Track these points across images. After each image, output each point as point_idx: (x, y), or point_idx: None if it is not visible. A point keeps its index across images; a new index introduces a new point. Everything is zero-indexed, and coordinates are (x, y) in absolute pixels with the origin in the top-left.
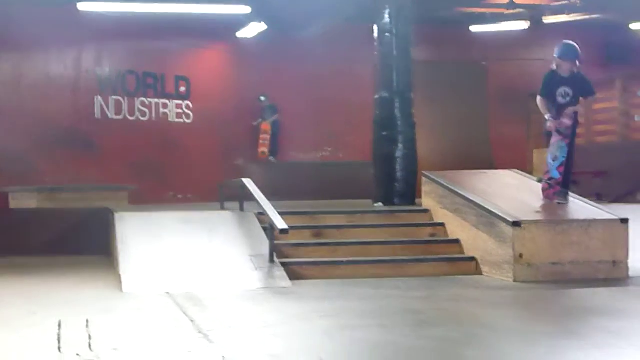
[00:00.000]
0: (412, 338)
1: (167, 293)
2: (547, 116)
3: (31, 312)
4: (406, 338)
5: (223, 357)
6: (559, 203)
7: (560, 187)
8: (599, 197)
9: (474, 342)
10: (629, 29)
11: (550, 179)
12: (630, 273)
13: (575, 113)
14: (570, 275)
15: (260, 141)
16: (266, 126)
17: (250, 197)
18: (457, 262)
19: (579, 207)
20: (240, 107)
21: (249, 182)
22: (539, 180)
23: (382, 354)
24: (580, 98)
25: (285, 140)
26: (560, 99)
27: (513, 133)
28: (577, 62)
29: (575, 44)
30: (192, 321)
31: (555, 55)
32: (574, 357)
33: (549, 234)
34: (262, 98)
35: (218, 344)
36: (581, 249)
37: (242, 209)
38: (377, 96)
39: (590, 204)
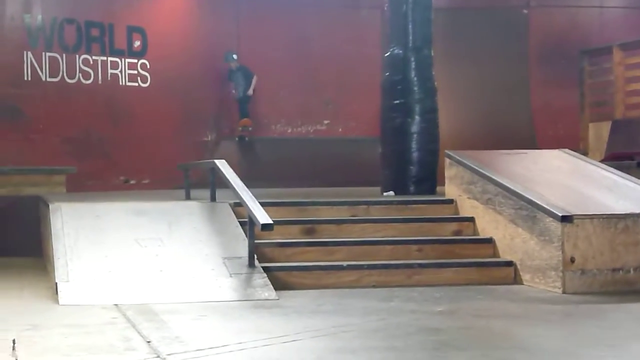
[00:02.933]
0: None
1: (116, 305)
2: None
3: None
4: None
5: None
6: None
7: None
8: None
9: None
10: None
11: None
12: None
13: None
14: (635, 285)
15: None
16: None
17: (224, 184)
18: (489, 268)
19: None
20: (211, 67)
21: (222, 164)
22: None
23: None
24: None
25: (267, 110)
26: None
27: (562, 101)
28: None
29: None
30: (147, 342)
31: None
32: None
33: (609, 232)
34: (234, 56)
35: None
36: None
37: (213, 198)
38: (387, 53)
39: None
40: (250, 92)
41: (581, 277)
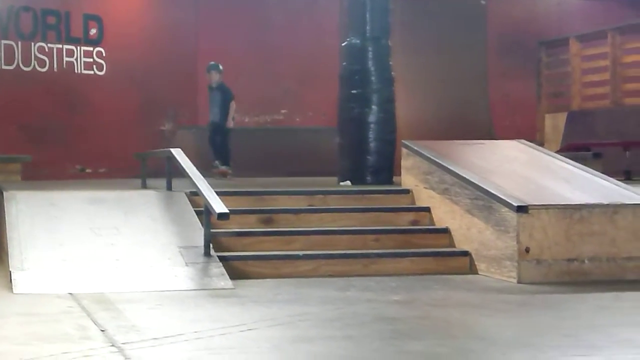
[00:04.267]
0: (387, 354)
1: (71, 294)
2: None
3: None
4: (378, 354)
5: None
6: None
7: None
8: (628, 175)
9: (465, 359)
10: None
11: None
12: None
13: None
14: (590, 276)
15: None
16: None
17: (181, 173)
18: (445, 258)
19: (603, 188)
20: (169, 57)
21: (178, 153)
22: None
23: None
24: None
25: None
26: None
27: (519, 92)
28: None
29: None
30: (102, 331)
31: None
32: None
33: (564, 222)
34: (220, 68)
35: None
36: (604, 241)
37: (169, 187)
38: (344, 43)
39: (617, 184)
40: (230, 123)
41: (536, 267)
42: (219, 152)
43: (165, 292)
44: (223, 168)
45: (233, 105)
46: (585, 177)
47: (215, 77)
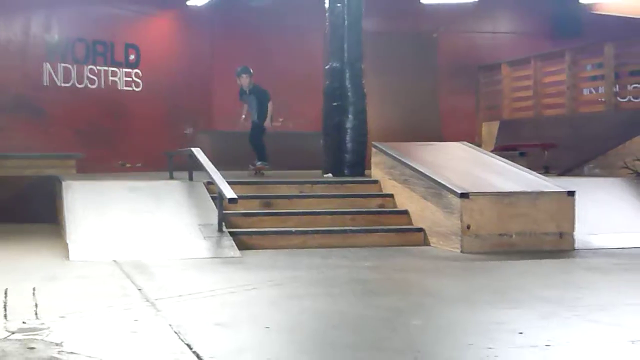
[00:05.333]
0: (359, 307)
1: (115, 261)
2: None
3: None
4: (353, 307)
5: (170, 325)
6: None
7: None
8: (546, 169)
9: (420, 311)
10: (578, 0)
11: None
12: (576, 245)
13: None
14: (516, 247)
15: None
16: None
17: (199, 167)
18: (405, 233)
19: (527, 180)
20: (190, 76)
21: (197, 151)
22: None
23: (328, 322)
24: None
25: (236, 110)
26: None
27: (462, 105)
28: None
29: None
30: (139, 289)
31: None
32: (518, 326)
33: (497, 205)
34: (251, 70)
35: (165, 313)
36: (528, 220)
37: (190, 178)
38: (327, 66)
39: (538, 176)
40: (268, 123)
41: (475, 240)
42: (256, 149)
43: (188, 259)
44: (259, 164)
45: (270, 105)
46: (513, 171)
47: (245, 81)
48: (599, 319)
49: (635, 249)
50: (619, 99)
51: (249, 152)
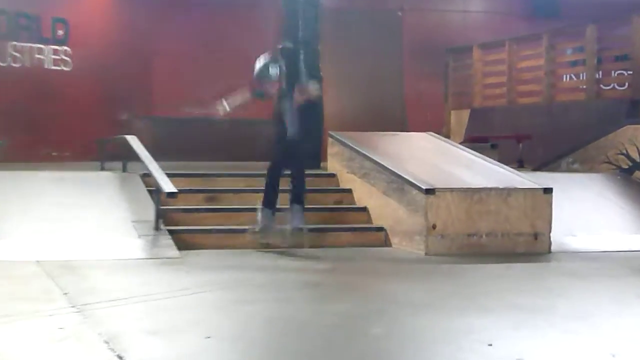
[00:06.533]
0: (312, 314)
1: (38, 262)
2: None
3: None
4: (305, 313)
5: (99, 334)
6: None
7: None
8: (520, 163)
9: (380, 318)
10: None
11: None
12: (553, 247)
13: None
14: (487, 248)
15: None
16: None
17: (135, 157)
18: (364, 232)
19: (499, 174)
20: (127, 55)
21: (132, 139)
22: None
23: (277, 330)
24: None
25: (178, 94)
26: None
27: (429, 92)
28: None
29: None
30: (65, 293)
31: None
32: (487, 336)
33: (465, 202)
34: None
35: (93, 320)
36: (499, 219)
37: (125, 169)
38: (280, 46)
39: (510, 171)
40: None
41: (441, 240)
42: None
43: (120, 260)
44: None
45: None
46: (483, 164)
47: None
48: (577, 330)
49: (616, 252)
50: (601, 86)
51: (193, 140)
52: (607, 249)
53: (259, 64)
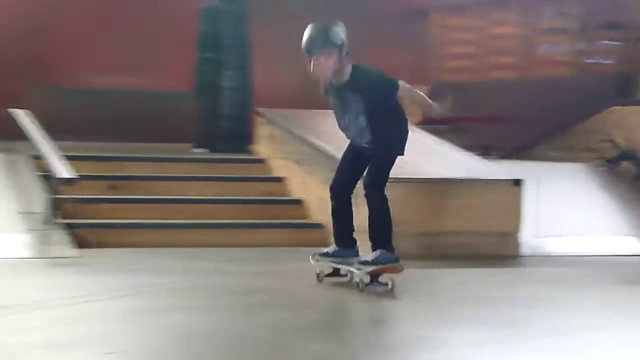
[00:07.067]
0: (239, 325)
1: None
2: None
3: None
4: (231, 325)
5: None
6: None
7: None
8: (486, 150)
9: (322, 332)
10: None
11: None
12: (524, 250)
13: None
14: (448, 250)
15: None
16: None
17: (26, 136)
18: (299, 230)
19: (461, 163)
20: (21, 17)
21: (21, 115)
22: None
23: (194, 346)
24: None
25: (79, 61)
26: None
27: (380, 64)
28: None
29: None
30: None
31: None
32: (450, 353)
33: (422, 196)
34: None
35: None
36: (462, 217)
37: (12, 150)
38: (202, 6)
39: (475, 159)
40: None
41: (396, 241)
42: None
43: (2, 260)
44: None
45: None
46: (444, 151)
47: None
48: (551, 346)
49: (596, 256)
50: (585, 59)
51: (95, 117)
52: (586, 252)
53: None
